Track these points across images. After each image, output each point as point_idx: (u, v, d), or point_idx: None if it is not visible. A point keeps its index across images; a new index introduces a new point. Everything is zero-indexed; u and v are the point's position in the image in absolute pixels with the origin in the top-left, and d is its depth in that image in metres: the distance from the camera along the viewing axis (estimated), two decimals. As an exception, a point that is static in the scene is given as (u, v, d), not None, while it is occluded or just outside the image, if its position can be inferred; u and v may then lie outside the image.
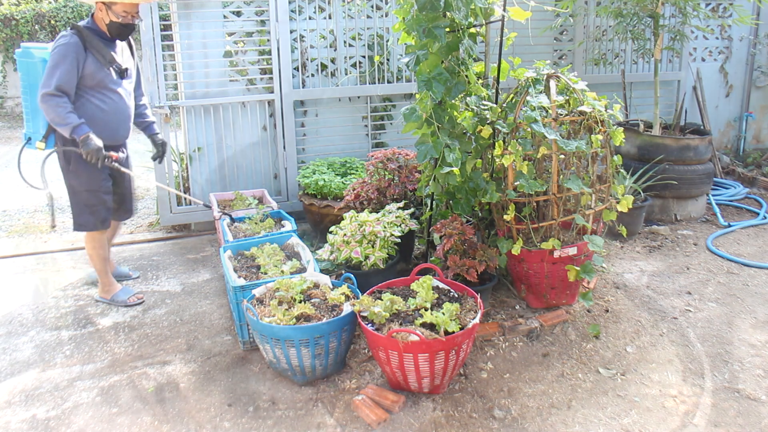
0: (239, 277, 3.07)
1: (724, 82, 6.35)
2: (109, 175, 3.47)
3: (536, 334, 3.13)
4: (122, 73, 3.38)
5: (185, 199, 4.76)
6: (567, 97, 3.30)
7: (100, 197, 3.42)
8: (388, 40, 4.91)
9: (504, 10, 3.26)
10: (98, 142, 3.18)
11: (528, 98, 3.17)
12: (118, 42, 3.39)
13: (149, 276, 4.04)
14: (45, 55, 3.22)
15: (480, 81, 3.50)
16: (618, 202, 3.32)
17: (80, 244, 4.50)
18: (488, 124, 3.32)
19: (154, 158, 3.85)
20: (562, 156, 3.21)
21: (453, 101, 3.23)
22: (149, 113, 3.76)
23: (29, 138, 3.38)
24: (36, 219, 5.37)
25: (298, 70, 4.81)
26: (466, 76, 3.24)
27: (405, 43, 3.40)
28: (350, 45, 4.89)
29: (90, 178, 3.35)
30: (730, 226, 4.70)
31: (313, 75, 4.86)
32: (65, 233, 4.92)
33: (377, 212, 3.58)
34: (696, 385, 2.74)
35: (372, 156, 4.10)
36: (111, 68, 3.31)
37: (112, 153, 3.32)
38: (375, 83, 4.97)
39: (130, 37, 3.48)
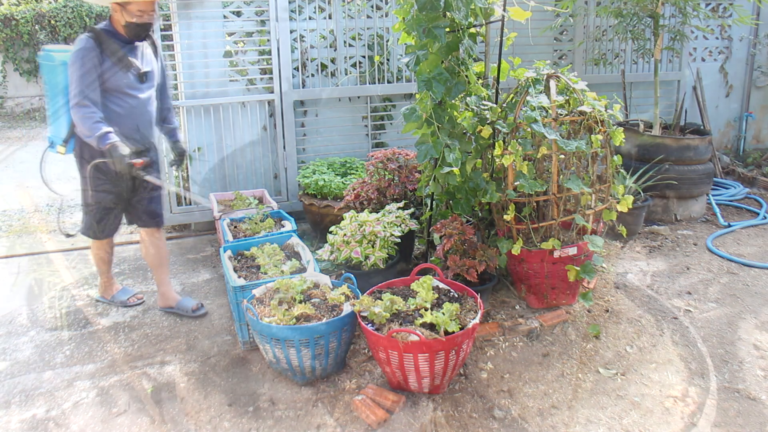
0: (239, 277, 3.07)
1: (724, 82, 6.35)
2: (132, 177, 3.30)
3: (536, 334, 3.13)
4: (141, 77, 3.26)
5: (187, 198, 4.76)
6: (567, 97, 3.30)
7: (97, 197, 3.37)
8: (388, 40, 4.91)
9: (504, 10, 3.26)
10: (122, 150, 3.04)
11: (528, 98, 3.17)
12: (138, 44, 3.27)
13: (149, 276, 4.03)
14: (65, 57, 3.14)
15: (480, 81, 3.50)
16: (618, 202, 3.32)
17: (79, 244, 4.50)
18: (488, 124, 3.32)
19: (171, 164, 3.77)
20: (562, 156, 3.21)
21: (453, 101, 3.23)
22: (173, 118, 3.65)
23: (52, 142, 3.35)
24: (35, 219, 5.37)
25: (298, 70, 4.80)
26: (466, 76, 3.24)
27: (405, 43, 3.40)
28: (350, 45, 4.88)
29: (89, 178, 3.33)
30: (730, 226, 4.70)
31: (313, 75, 4.86)
32: (65, 233, 4.92)
33: (377, 212, 3.58)
34: (697, 385, 2.74)
35: (372, 156, 4.10)
36: (129, 72, 3.19)
37: (135, 160, 3.15)
38: (375, 83, 4.97)
39: (153, 37, 3.37)
